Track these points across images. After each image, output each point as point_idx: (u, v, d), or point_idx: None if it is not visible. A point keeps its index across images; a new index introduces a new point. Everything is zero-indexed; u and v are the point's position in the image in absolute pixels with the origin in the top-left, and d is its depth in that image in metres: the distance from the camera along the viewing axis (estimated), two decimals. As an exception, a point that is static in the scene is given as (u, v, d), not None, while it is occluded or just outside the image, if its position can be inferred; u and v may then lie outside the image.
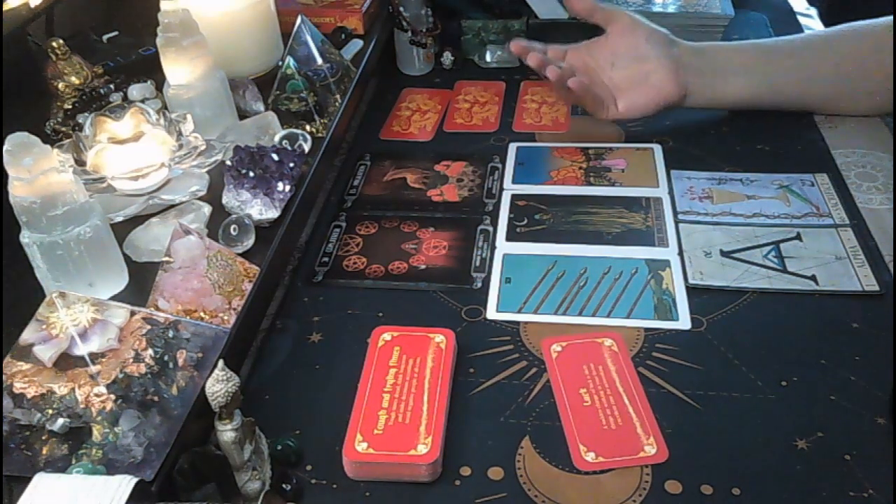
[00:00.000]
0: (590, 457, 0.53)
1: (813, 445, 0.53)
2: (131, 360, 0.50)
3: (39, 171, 0.52)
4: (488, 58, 1.04)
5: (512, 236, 0.74)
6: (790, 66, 0.83)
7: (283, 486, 0.51)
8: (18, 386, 0.48)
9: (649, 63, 0.81)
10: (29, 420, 0.48)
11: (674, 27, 1.04)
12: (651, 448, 0.53)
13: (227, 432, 0.47)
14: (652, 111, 0.83)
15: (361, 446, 0.53)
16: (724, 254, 0.69)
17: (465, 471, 0.53)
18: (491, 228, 0.75)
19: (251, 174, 0.66)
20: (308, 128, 0.77)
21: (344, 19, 0.96)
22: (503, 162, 0.84)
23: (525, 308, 0.66)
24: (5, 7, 0.73)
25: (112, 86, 0.79)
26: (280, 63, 0.81)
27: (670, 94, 0.82)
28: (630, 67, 0.82)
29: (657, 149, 0.84)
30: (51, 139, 0.73)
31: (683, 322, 0.63)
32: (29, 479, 0.43)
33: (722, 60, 0.83)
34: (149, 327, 0.52)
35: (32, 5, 0.77)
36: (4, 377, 0.48)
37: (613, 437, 0.54)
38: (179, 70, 0.72)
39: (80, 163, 0.64)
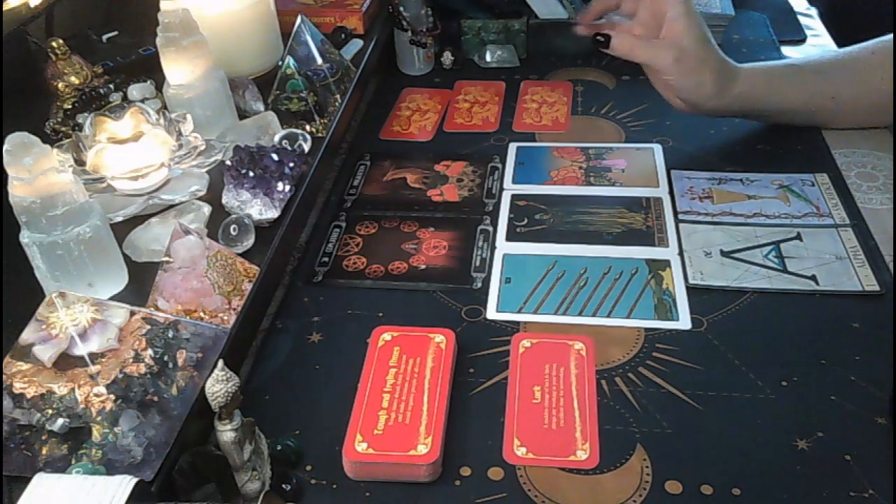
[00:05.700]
0: (521, 451, 0.53)
1: (813, 445, 0.53)
2: (131, 360, 0.50)
3: (39, 171, 0.52)
4: (488, 58, 1.04)
5: (512, 236, 0.74)
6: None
7: (283, 486, 0.51)
8: (18, 386, 0.48)
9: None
10: (29, 420, 0.48)
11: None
12: (583, 454, 0.53)
13: (226, 432, 0.47)
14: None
15: (361, 446, 0.53)
16: (724, 254, 0.69)
17: (465, 471, 0.53)
18: (491, 228, 0.75)
19: (251, 174, 0.66)
20: (308, 128, 0.77)
21: (344, 19, 0.96)
22: (503, 162, 0.84)
23: (525, 308, 0.66)
24: (5, 7, 0.73)
25: (112, 86, 0.79)
26: (280, 63, 0.81)
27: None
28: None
29: (657, 149, 0.84)
30: (51, 139, 0.73)
31: (684, 322, 0.63)
32: (29, 479, 0.43)
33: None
34: (148, 327, 0.52)
35: (32, 5, 0.77)
36: (4, 377, 0.48)
37: (549, 437, 0.54)
38: (179, 70, 0.72)
39: (79, 163, 0.64)
